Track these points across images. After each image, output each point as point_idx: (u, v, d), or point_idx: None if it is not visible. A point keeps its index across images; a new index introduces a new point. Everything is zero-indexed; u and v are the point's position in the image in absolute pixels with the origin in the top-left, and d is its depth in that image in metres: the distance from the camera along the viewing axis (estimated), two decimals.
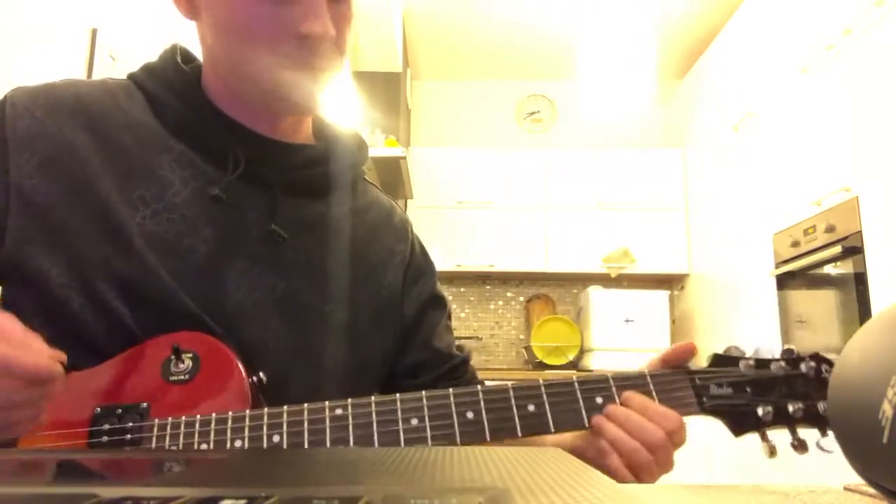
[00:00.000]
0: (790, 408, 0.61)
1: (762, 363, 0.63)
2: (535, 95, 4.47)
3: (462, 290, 4.19)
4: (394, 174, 3.15)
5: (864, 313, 2.10)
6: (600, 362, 3.53)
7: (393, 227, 0.79)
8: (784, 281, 2.65)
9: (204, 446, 0.54)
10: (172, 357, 0.58)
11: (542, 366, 3.78)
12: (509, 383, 0.60)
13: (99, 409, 0.56)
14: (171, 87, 0.68)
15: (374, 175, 3.15)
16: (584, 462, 0.59)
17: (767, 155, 2.84)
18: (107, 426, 0.55)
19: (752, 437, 0.64)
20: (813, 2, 2.48)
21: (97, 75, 1.71)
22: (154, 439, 0.55)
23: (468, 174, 4.05)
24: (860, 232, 2.13)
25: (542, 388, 0.59)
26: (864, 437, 0.39)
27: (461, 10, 3.71)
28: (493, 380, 3.82)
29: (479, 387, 0.59)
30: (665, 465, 0.59)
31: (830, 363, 0.63)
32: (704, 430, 3.51)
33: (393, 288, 0.76)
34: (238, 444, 0.55)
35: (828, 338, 2.37)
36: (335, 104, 2.83)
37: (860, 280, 2.13)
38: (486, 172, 4.04)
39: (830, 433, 0.61)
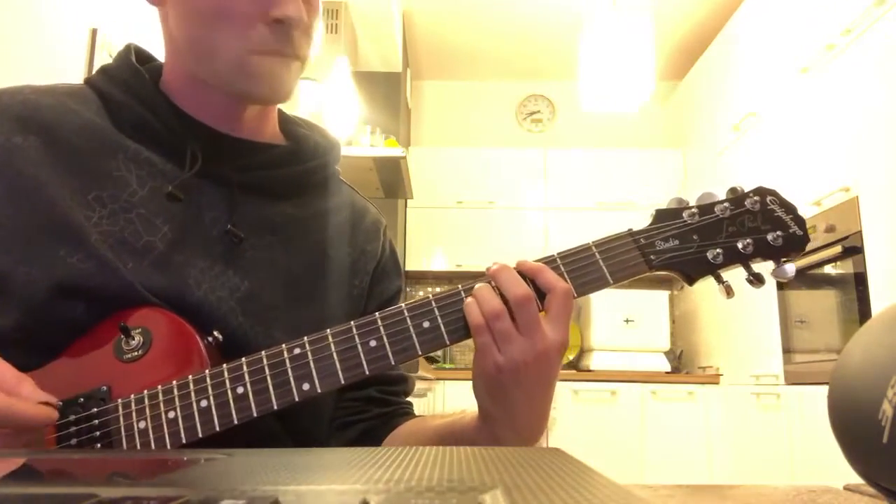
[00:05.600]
0: (739, 245, 0.60)
1: (706, 209, 0.61)
2: (535, 95, 4.47)
3: None
4: (394, 174, 3.15)
5: (864, 313, 2.10)
6: (600, 362, 3.53)
7: (365, 227, 0.78)
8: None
9: (171, 414, 0.54)
10: (122, 336, 0.57)
11: None
12: (459, 285, 0.59)
13: (60, 402, 0.55)
14: (127, 87, 0.66)
15: (374, 175, 3.15)
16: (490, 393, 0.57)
17: (767, 155, 2.84)
18: (72, 417, 0.54)
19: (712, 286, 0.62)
20: (813, 2, 2.49)
21: None
22: (121, 419, 0.55)
23: (468, 174, 4.05)
24: (860, 232, 2.13)
25: (493, 283, 0.58)
26: (864, 437, 0.39)
27: (461, 10, 3.72)
28: None
29: (430, 295, 0.58)
30: (527, 328, 0.55)
31: (774, 193, 0.62)
32: (704, 431, 3.49)
33: (363, 287, 0.75)
34: (203, 404, 0.55)
35: (828, 338, 2.37)
36: (335, 104, 2.83)
37: (860, 280, 2.13)
38: (486, 172, 4.05)
39: (784, 261, 0.60)
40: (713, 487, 0.57)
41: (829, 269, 2.36)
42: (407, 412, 0.77)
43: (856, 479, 0.44)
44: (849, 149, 2.22)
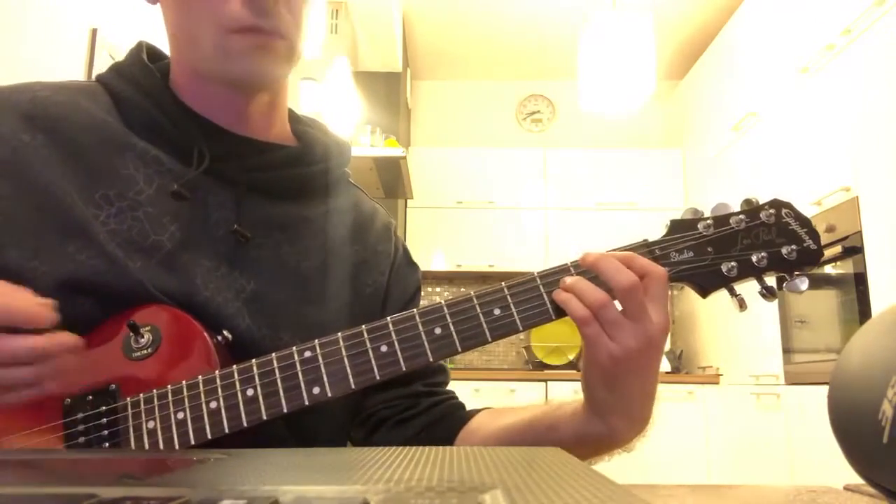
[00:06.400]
0: (754, 258, 0.60)
1: (721, 220, 0.61)
2: (535, 95, 4.47)
3: (462, 290, 4.19)
4: (394, 174, 3.15)
5: (864, 313, 2.10)
6: None
7: (375, 228, 0.78)
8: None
9: (181, 415, 0.54)
10: (131, 334, 0.57)
11: (543, 366, 3.78)
12: (472, 291, 0.59)
13: (69, 399, 0.55)
14: (138, 85, 0.66)
15: (375, 175, 3.15)
16: (592, 385, 0.58)
17: (767, 155, 2.84)
18: (80, 415, 0.54)
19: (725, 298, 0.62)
20: (813, 2, 2.48)
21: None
22: (129, 418, 0.54)
23: (468, 174, 4.05)
24: (860, 232, 2.13)
25: (506, 291, 0.58)
26: (864, 437, 0.39)
27: (461, 10, 3.71)
28: (493, 380, 3.80)
29: (441, 301, 0.58)
30: (638, 316, 0.55)
31: (789, 206, 0.62)
32: (704, 431, 3.48)
33: (377, 286, 0.75)
34: (213, 405, 0.54)
35: (828, 338, 2.37)
36: (335, 104, 2.83)
37: (860, 280, 2.13)
38: (486, 172, 4.04)
39: (797, 275, 0.60)
40: (713, 487, 0.57)
41: (829, 269, 2.36)
42: (457, 402, 0.77)
43: (856, 479, 0.44)
44: (849, 149, 2.22)
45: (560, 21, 3.71)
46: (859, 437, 0.41)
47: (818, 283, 2.45)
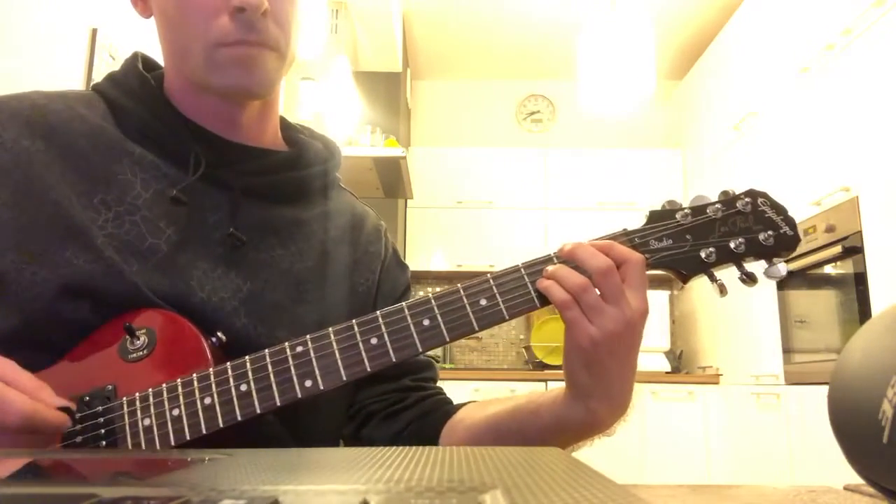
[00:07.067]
0: (732, 244, 0.61)
1: (698, 210, 0.63)
2: (535, 95, 4.47)
3: None
4: (394, 174, 3.15)
5: (864, 313, 2.10)
6: None
7: (366, 230, 0.80)
8: (784, 281, 2.65)
9: (176, 412, 0.55)
10: (127, 337, 0.58)
11: (543, 366, 3.78)
12: (458, 285, 0.60)
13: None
14: (133, 93, 0.68)
15: (374, 175, 3.15)
16: (576, 377, 0.59)
17: (767, 155, 2.84)
18: (78, 415, 0.55)
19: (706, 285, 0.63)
20: (813, 2, 2.49)
21: (97, 75, 1.71)
22: (125, 416, 0.55)
23: (468, 174, 4.05)
24: (860, 232, 2.13)
25: (492, 282, 0.60)
26: (864, 437, 0.39)
27: (461, 10, 3.72)
28: (492, 380, 3.78)
29: (430, 294, 0.60)
30: (616, 299, 0.57)
31: (765, 195, 0.63)
32: (704, 431, 3.48)
33: (369, 285, 0.76)
34: (207, 401, 0.55)
35: (828, 338, 2.37)
36: (335, 104, 2.83)
37: (860, 280, 2.13)
38: (486, 172, 4.05)
39: (776, 261, 0.62)
40: (713, 487, 0.57)
41: (829, 269, 2.36)
42: (445, 397, 0.78)
43: (856, 479, 0.44)
44: (849, 149, 2.22)
45: (560, 21, 3.72)
46: (859, 437, 0.41)
47: (818, 283, 2.45)
